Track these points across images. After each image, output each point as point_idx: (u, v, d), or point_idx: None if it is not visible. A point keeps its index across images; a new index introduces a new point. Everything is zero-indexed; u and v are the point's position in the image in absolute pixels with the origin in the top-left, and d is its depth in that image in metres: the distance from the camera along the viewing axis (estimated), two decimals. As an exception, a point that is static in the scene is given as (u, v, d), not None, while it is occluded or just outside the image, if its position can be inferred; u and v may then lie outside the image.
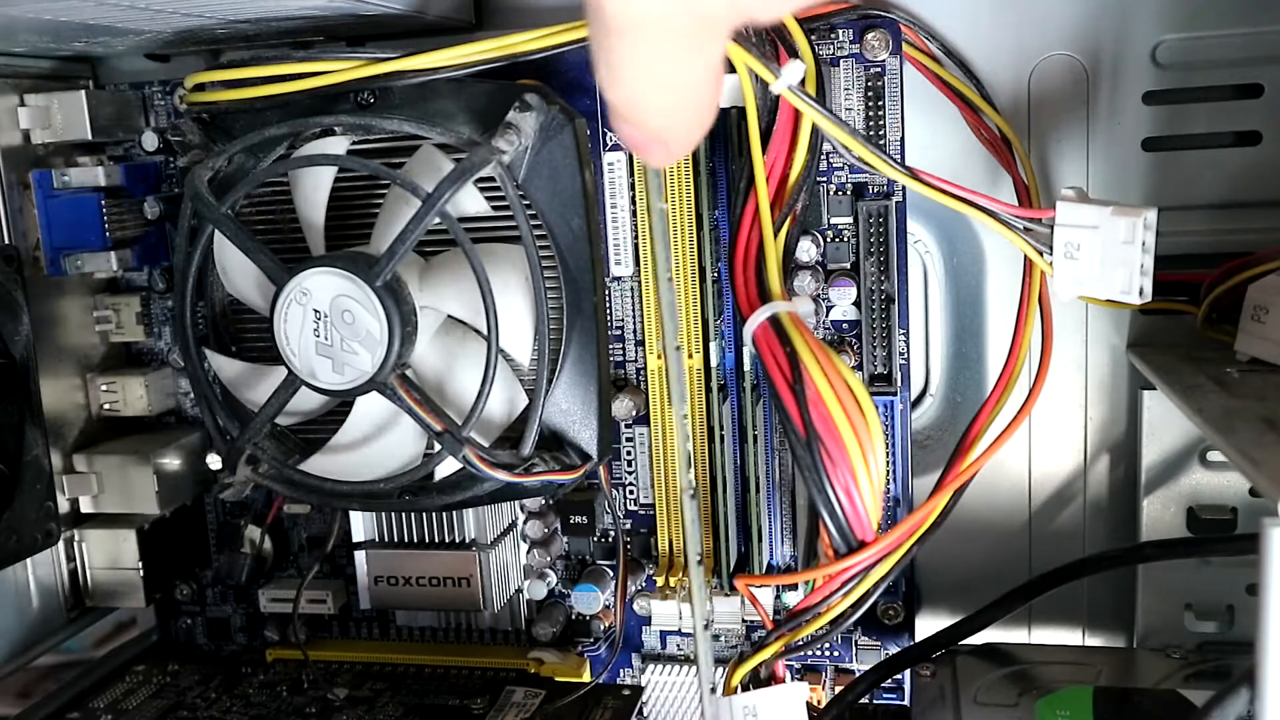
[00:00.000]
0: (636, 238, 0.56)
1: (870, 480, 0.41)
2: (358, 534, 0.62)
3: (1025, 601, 0.56)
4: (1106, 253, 0.46)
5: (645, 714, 0.62)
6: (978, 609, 0.57)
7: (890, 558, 0.45)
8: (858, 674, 0.59)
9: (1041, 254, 0.48)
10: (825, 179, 0.56)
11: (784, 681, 0.50)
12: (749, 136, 0.49)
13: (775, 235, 0.49)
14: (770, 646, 0.49)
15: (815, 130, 0.49)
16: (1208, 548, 0.57)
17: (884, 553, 0.45)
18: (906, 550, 0.47)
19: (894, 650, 0.60)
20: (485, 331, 0.51)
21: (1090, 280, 0.46)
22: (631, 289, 0.58)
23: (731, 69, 0.48)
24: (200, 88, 0.56)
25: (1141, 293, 0.46)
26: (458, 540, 0.61)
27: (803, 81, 0.48)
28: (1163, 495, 0.60)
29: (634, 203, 0.56)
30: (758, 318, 0.46)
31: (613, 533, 0.61)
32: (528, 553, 0.63)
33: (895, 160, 0.50)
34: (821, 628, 0.48)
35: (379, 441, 0.56)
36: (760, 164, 0.49)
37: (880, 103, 0.54)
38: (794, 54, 0.49)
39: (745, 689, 0.50)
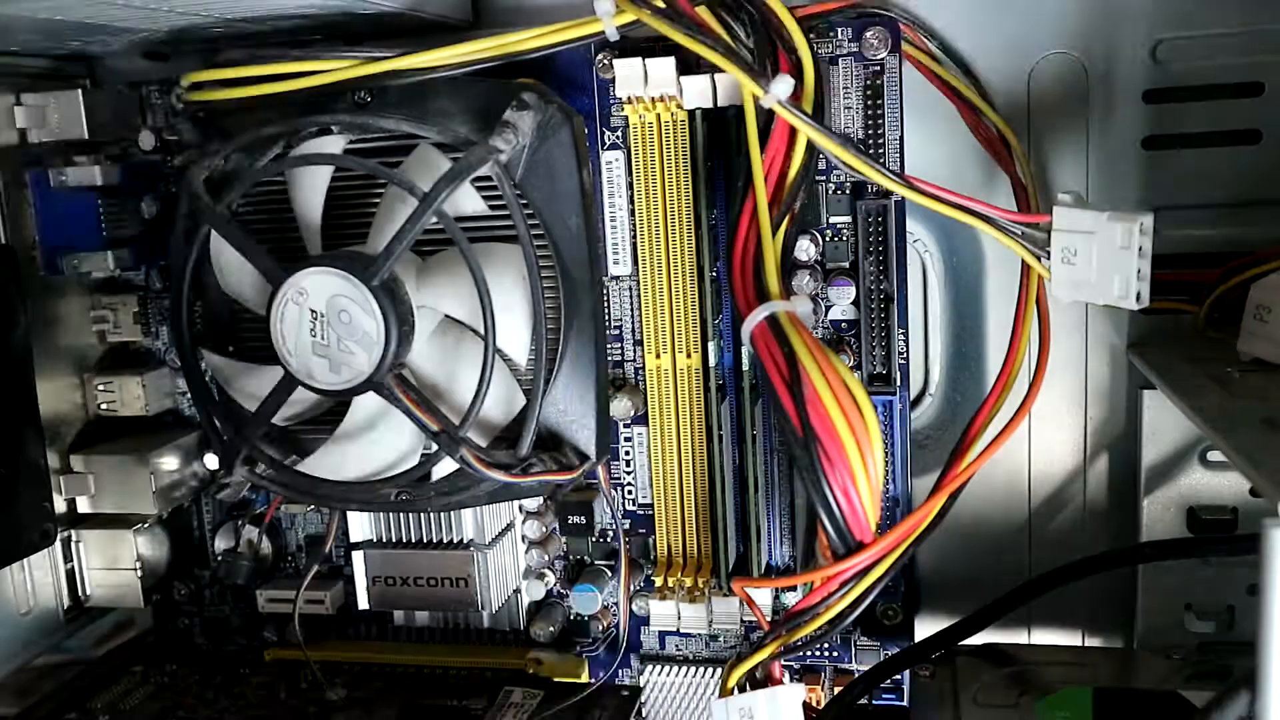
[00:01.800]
0: (634, 237, 0.56)
1: (868, 481, 0.41)
2: (356, 534, 0.62)
3: (1025, 602, 0.56)
4: (1103, 258, 0.45)
5: (644, 715, 0.62)
6: (977, 609, 0.57)
7: (887, 559, 0.45)
8: (857, 674, 0.59)
9: (1039, 259, 0.48)
10: (824, 178, 0.55)
11: (781, 682, 0.50)
12: (747, 135, 0.49)
13: (774, 234, 0.49)
14: (767, 648, 0.49)
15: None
16: (1207, 548, 0.57)
17: (881, 554, 0.45)
18: (903, 551, 0.47)
19: (893, 651, 0.60)
20: (482, 331, 0.51)
21: (1087, 285, 0.46)
22: (630, 288, 0.58)
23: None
24: (197, 86, 0.55)
25: (1139, 298, 0.46)
26: (456, 540, 0.61)
27: (797, 92, 0.47)
28: (1163, 495, 0.60)
29: (632, 202, 0.56)
30: (755, 317, 0.46)
31: (611, 533, 0.61)
32: (526, 553, 0.63)
33: (891, 170, 0.49)
34: (819, 628, 0.48)
35: (376, 442, 0.56)
36: (758, 163, 0.49)
37: (879, 101, 0.54)
38: (792, 52, 0.49)
39: (742, 690, 0.49)
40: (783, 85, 0.46)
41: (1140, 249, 0.45)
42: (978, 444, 0.49)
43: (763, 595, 0.57)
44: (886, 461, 0.55)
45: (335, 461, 0.57)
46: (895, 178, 0.49)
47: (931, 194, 0.48)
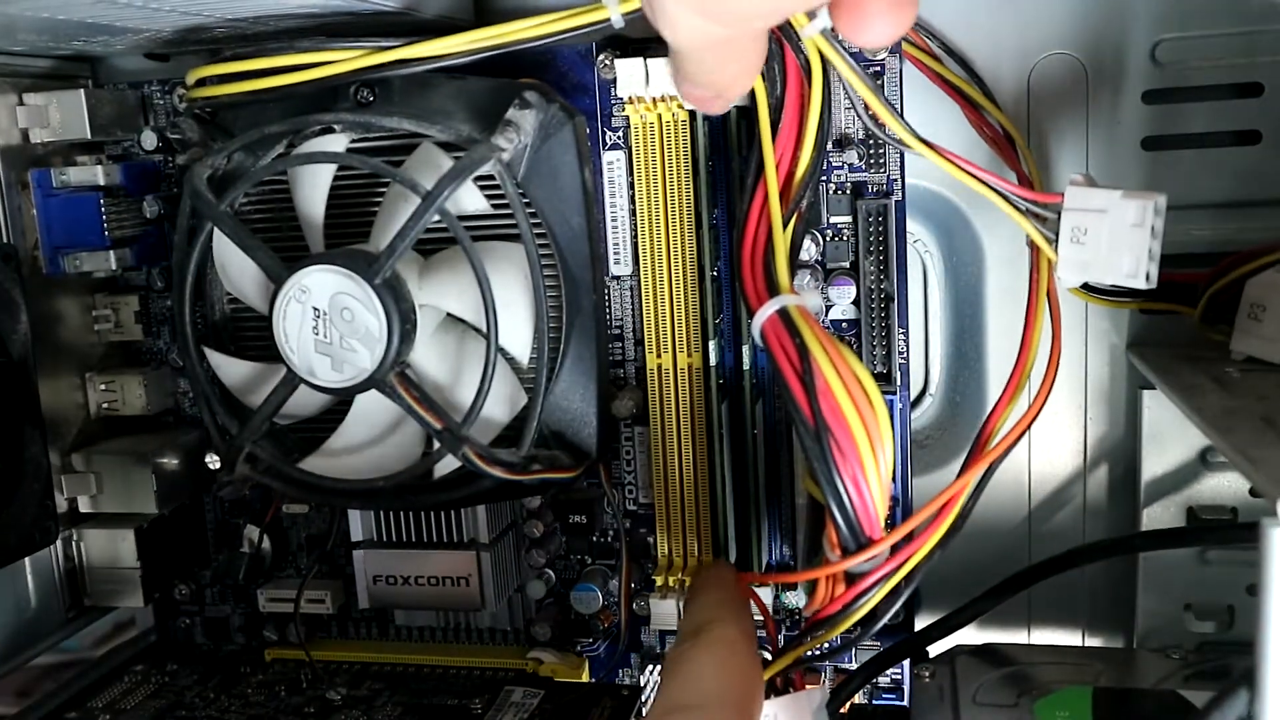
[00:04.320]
0: (636, 236, 0.56)
1: (879, 474, 0.41)
2: (356, 533, 0.62)
3: (1015, 593, 0.56)
4: (1114, 236, 0.45)
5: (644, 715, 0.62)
6: (969, 600, 0.56)
7: (920, 552, 0.45)
8: (857, 674, 0.59)
9: (1048, 240, 0.48)
10: (825, 178, 0.56)
11: (802, 688, 0.50)
12: (759, 125, 0.49)
13: (784, 227, 0.48)
14: (787, 657, 0.49)
15: (821, 126, 0.49)
16: (1199, 538, 0.57)
17: (903, 558, 0.44)
18: (934, 546, 0.46)
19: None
20: (484, 329, 0.51)
21: (1096, 265, 0.46)
22: (631, 288, 0.58)
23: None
24: (201, 83, 0.55)
25: (1148, 278, 0.45)
26: (456, 539, 0.61)
27: (805, 91, 0.47)
28: (1162, 495, 0.60)
29: (633, 201, 0.56)
30: (767, 310, 0.46)
31: (612, 532, 0.61)
32: (527, 552, 0.63)
33: (908, 126, 0.49)
34: (846, 632, 0.48)
35: (378, 440, 0.56)
36: (769, 149, 0.48)
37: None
38: (800, 52, 0.49)
39: (765, 698, 0.49)
40: (820, 21, 0.46)
41: (1153, 229, 0.45)
42: (998, 434, 0.49)
43: (764, 594, 0.57)
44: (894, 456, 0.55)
45: (337, 460, 0.57)
46: (914, 135, 0.49)
47: (950, 159, 0.48)
